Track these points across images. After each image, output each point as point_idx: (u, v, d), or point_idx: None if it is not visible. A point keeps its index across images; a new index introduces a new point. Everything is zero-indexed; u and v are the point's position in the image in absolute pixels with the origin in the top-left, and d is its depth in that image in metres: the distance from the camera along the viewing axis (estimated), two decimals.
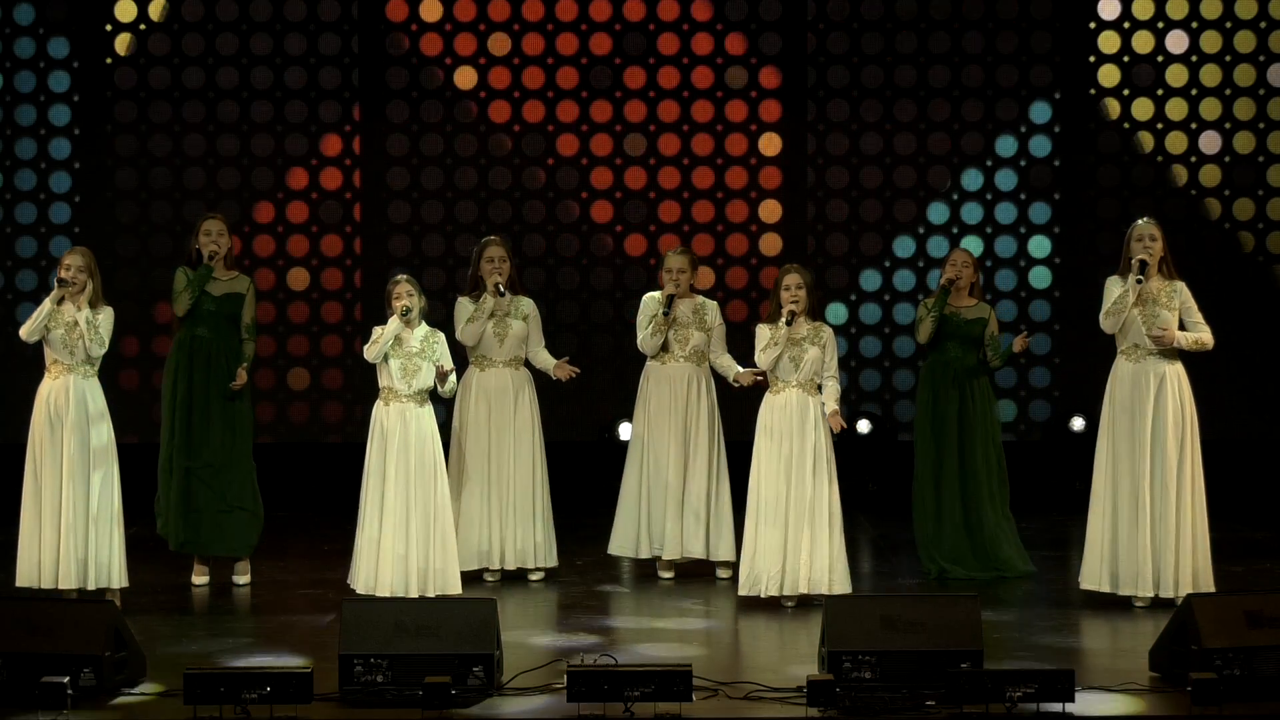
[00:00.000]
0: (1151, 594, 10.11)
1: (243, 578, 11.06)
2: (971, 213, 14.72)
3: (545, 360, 11.24)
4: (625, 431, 14.23)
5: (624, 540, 11.30)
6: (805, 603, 10.28)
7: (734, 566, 10.88)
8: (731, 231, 14.69)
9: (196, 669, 8.12)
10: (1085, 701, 8.14)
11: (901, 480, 14.19)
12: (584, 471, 13.57)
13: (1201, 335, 10.21)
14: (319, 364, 14.69)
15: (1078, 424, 14.37)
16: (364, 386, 14.33)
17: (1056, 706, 7.96)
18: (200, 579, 11.07)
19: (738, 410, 11.70)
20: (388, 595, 10.02)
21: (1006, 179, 14.74)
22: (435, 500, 10.25)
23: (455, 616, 8.45)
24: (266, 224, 14.58)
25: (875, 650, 8.31)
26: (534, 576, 11.16)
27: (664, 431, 11.19)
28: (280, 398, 14.61)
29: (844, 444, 11.92)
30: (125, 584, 10.26)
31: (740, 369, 10.95)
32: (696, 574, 11.27)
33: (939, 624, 8.40)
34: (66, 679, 7.99)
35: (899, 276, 14.69)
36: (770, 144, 14.69)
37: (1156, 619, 9.59)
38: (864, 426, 14.26)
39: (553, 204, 14.69)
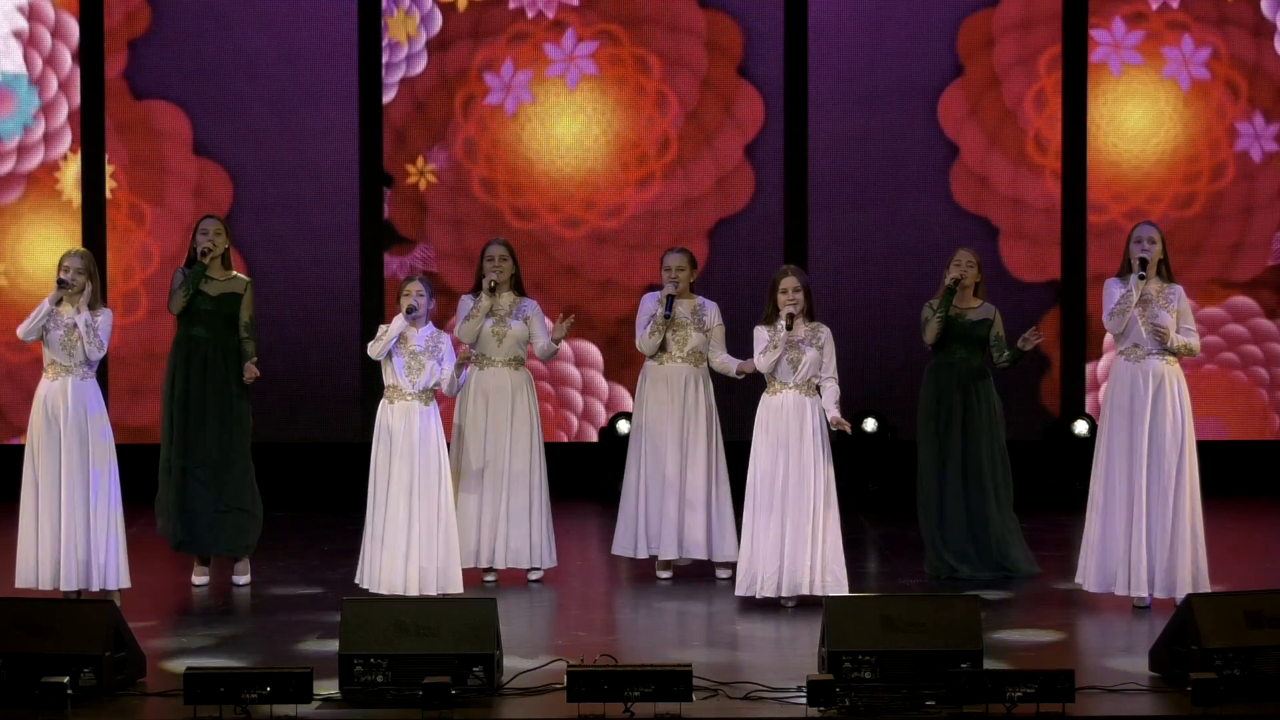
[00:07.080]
0: (1146, 594, 10.12)
1: (243, 578, 11.05)
2: None
3: (549, 348, 11.11)
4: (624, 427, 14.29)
5: (625, 541, 11.29)
6: (805, 603, 10.28)
7: (734, 566, 10.87)
8: None
9: (196, 669, 8.13)
10: (1085, 701, 8.15)
11: (902, 480, 14.21)
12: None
13: (1191, 341, 10.23)
14: (319, 362, 14.68)
15: (1080, 427, 14.35)
16: (366, 386, 14.33)
17: (1056, 706, 7.96)
18: (200, 579, 11.06)
19: (737, 411, 11.67)
20: (388, 594, 10.02)
21: None
22: (439, 499, 10.26)
23: (455, 616, 8.45)
24: None
25: (875, 650, 8.31)
26: (533, 576, 11.15)
27: (662, 432, 11.18)
28: (281, 396, 14.59)
29: (845, 444, 11.93)
30: (127, 585, 10.25)
31: (740, 361, 10.90)
32: (696, 574, 11.27)
33: (939, 624, 8.40)
34: (66, 679, 8.00)
35: None
36: None
37: (1156, 619, 9.60)
38: (870, 424, 14.22)
39: None
